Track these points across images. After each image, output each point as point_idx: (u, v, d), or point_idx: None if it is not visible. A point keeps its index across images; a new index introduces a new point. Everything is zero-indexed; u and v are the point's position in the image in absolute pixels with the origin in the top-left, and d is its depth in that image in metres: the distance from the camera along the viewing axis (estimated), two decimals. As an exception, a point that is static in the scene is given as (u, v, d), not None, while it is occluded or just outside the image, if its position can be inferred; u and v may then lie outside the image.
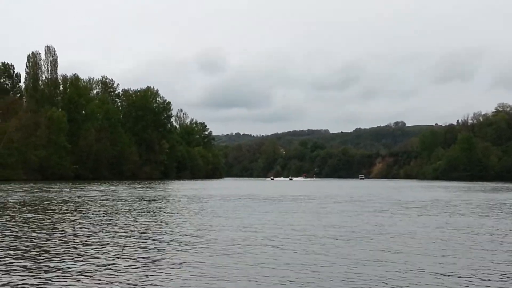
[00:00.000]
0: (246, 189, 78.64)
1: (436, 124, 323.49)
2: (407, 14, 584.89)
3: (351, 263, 14.77)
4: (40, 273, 13.40)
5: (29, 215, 28.96)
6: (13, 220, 26.33)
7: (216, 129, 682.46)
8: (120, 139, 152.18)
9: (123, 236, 20.67)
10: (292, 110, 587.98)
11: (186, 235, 21.04)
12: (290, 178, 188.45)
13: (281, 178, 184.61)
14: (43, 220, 26.47)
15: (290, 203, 43.08)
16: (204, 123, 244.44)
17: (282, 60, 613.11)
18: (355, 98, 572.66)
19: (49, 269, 13.85)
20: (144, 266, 14.38)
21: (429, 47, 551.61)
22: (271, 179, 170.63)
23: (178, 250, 17.19)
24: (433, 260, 15.58)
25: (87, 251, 16.68)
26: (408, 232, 22.26)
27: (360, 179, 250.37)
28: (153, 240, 19.62)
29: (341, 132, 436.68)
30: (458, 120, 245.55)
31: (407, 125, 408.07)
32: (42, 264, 14.51)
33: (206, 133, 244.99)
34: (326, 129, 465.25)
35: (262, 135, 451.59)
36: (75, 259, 15.31)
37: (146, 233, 21.63)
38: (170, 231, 22.52)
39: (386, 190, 78.83)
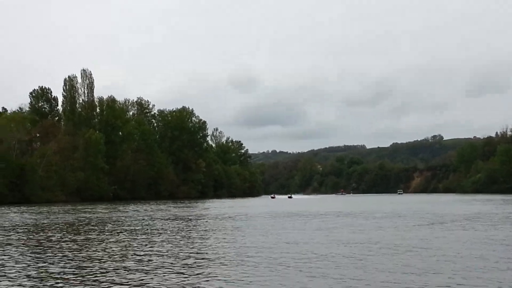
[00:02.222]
0: (286, 206, 77.15)
1: (474, 137, 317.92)
2: (438, 27, 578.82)
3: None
4: None
5: (76, 235, 28.52)
6: (58, 240, 25.72)
7: (252, 147, 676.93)
8: (157, 159, 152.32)
9: (168, 253, 20.14)
10: (327, 126, 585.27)
11: (230, 252, 20.13)
12: (289, 196, 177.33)
13: (282, 196, 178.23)
14: (89, 239, 26.00)
15: (332, 218, 41.54)
16: (240, 141, 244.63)
17: (314, 76, 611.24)
18: (389, 113, 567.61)
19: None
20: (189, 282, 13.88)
21: (461, 60, 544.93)
22: (272, 197, 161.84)
23: (222, 266, 16.61)
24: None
25: (132, 268, 16.27)
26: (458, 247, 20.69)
27: (399, 194, 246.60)
28: (199, 257, 18.85)
29: (378, 147, 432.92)
30: (496, 132, 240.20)
31: (445, 139, 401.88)
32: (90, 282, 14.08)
33: (242, 151, 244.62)
34: (363, 144, 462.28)
35: (298, 152, 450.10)
36: (120, 276, 14.93)
37: (191, 251, 20.96)
38: (216, 248, 21.80)
39: (428, 205, 76.42)
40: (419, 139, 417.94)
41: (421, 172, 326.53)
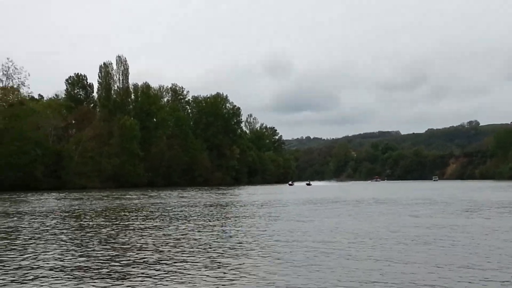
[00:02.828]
0: (321, 193, 75.74)
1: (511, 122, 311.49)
2: (474, 10, 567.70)
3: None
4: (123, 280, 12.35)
5: (112, 222, 28.04)
6: (95, 226, 25.36)
7: (286, 133, 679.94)
8: (191, 145, 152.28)
9: (204, 239, 19.64)
10: (361, 112, 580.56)
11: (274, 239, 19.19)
12: (308, 183, 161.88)
13: (301, 183, 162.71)
14: (125, 226, 25.49)
15: (367, 205, 40.10)
16: (274, 127, 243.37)
17: (348, 61, 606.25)
18: (425, 98, 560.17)
19: (129, 274, 12.89)
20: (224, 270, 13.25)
21: (499, 43, 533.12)
22: (290, 184, 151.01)
23: (257, 254, 15.73)
24: None
25: (165, 254, 15.83)
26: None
27: (434, 180, 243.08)
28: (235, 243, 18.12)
29: (413, 133, 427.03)
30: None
31: (481, 124, 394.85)
32: (125, 269, 13.62)
33: (276, 137, 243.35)
34: (397, 130, 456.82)
35: (333, 138, 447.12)
36: (158, 262, 14.53)
37: (227, 236, 20.42)
38: (250, 234, 20.95)
39: (464, 191, 74.10)
40: (454, 125, 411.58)
41: (456, 158, 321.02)
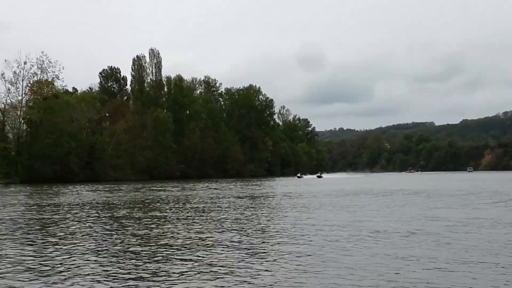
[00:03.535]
0: (357, 184, 74.14)
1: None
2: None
3: None
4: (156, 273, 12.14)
5: (147, 213, 28.22)
6: (131, 218, 25.51)
7: (319, 125, 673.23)
8: (224, 137, 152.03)
9: (237, 230, 19.50)
10: (395, 103, 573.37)
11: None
12: (318, 175, 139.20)
13: (310, 176, 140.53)
14: (161, 217, 25.62)
15: (400, 197, 38.63)
16: (307, 119, 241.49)
17: (382, 52, 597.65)
18: (459, 89, 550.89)
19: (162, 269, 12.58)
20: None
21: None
22: (298, 176, 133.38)
23: (290, 245, 15.66)
24: None
25: (199, 246, 15.77)
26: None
27: (469, 171, 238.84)
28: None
29: (447, 124, 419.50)
30: None
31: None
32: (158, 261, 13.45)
33: (309, 129, 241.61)
34: (431, 121, 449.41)
35: (366, 130, 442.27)
36: (188, 253, 14.51)
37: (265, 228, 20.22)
38: (283, 225, 20.91)
39: (499, 183, 71.60)
40: (490, 116, 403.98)
41: (492, 149, 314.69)
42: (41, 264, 13.07)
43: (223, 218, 24.29)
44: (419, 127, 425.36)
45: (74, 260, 13.45)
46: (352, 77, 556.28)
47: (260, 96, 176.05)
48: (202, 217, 24.82)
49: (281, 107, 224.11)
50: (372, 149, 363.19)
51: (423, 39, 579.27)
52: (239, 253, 14.18)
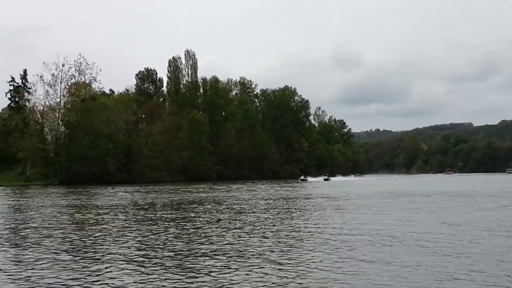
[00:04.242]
0: (394, 185, 72.62)
1: None
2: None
3: None
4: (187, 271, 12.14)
5: (185, 214, 28.25)
6: (169, 218, 25.48)
7: (355, 126, 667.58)
8: (260, 138, 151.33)
9: (274, 232, 19.12)
10: (432, 104, 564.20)
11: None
12: (325, 178, 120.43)
13: (315, 178, 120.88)
14: (200, 217, 25.80)
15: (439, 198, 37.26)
16: (342, 120, 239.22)
17: (419, 52, 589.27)
18: (498, 89, 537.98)
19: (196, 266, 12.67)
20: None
21: None
22: (302, 179, 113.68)
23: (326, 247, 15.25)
24: None
25: (236, 247, 15.44)
26: None
27: (508, 173, 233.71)
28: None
29: (486, 124, 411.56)
30: None
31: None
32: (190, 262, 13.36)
33: (345, 130, 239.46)
34: (469, 122, 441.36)
35: (403, 131, 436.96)
36: (232, 251, 14.65)
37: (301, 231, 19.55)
38: (319, 227, 20.46)
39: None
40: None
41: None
42: (78, 263, 13.18)
43: (259, 219, 24.08)
44: (456, 128, 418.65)
45: (113, 258, 13.62)
46: (388, 77, 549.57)
47: (295, 97, 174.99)
48: (239, 218, 24.55)
49: (316, 108, 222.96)
50: (409, 150, 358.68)
51: (460, 38, 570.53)
52: (274, 253, 14.01)
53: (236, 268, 12.08)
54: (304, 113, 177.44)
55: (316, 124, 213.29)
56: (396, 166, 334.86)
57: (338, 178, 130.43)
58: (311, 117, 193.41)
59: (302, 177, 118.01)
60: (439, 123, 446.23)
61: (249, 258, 13.47)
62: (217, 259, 13.33)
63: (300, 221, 22.76)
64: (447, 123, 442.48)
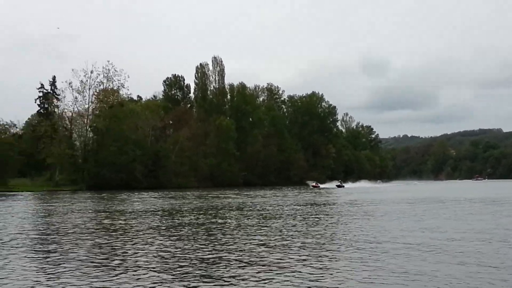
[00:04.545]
0: (426, 191, 71.34)
1: None
2: None
3: None
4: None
5: (214, 219, 28.69)
6: (195, 224, 25.93)
7: (383, 132, 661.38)
8: (287, 145, 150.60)
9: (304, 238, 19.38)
10: (460, 110, 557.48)
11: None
12: (339, 184, 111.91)
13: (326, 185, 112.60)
14: (227, 223, 25.98)
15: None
16: (370, 126, 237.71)
17: (447, 57, 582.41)
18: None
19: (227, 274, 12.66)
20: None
21: None
22: (313, 186, 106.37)
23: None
24: None
25: (272, 251, 15.90)
26: None
27: None
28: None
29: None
30: None
31: None
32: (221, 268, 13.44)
33: (373, 136, 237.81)
34: (499, 128, 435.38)
35: (431, 136, 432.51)
36: (262, 257, 14.82)
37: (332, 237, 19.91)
38: (348, 233, 20.67)
39: None
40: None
41: None
42: (105, 269, 13.27)
43: (287, 224, 24.21)
44: (486, 134, 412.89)
45: (140, 265, 13.74)
46: (416, 82, 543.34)
47: (323, 103, 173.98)
48: (267, 224, 24.63)
49: (344, 114, 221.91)
50: (437, 156, 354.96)
51: (489, 42, 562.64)
52: (303, 259, 14.10)
53: (268, 279, 11.85)
54: (331, 119, 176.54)
55: (344, 130, 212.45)
56: (424, 172, 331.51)
57: (357, 184, 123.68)
58: (338, 123, 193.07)
59: (313, 183, 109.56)
60: (468, 128, 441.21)
61: (279, 267, 13.20)
62: (246, 268, 13.18)
63: (329, 228, 22.54)
64: (476, 129, 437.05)
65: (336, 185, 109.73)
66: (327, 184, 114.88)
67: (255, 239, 18.58)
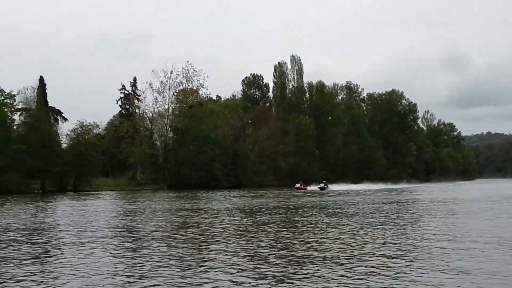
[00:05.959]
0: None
1: None
2: None
3: None
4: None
5: (290, 218, 28.40)
6: (273, 222, 25.64)
7: (465, 129, 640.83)
8: (366, 143, 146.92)
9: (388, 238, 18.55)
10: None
11: None
12: (321, 186, 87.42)
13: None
14: (310, 222, 25.43)
15: None
16: (452, 123, 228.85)
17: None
18: None
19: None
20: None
21: None
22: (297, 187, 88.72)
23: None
24: None
25: (355, 249, 15.57)
26: None
27: None
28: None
29: None
30: None
31: None
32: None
33: (455, 133, 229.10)
34: None
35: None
36: (343, 257, 14.36)
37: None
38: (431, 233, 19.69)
39: None
40: None
41: None
42: (186, 266, 13.35)
43: (370, 222, 23.90)
44: None
45: (221, 262, 13.76)
46: (499, 78, 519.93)
47: (403, 101, 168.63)
48: (348, 223, 23.98)
49: (425, 111, 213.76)
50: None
51: None
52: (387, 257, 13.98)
53: (349, 277, 11.54)
54: (411, 117, 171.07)
55: (425, 128, 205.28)
56: (509, 170, 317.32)
57: (344, 187, 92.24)
58: (419, 121, 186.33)
59: (298, 185, 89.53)
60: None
61: (361, 266, 12.93)
62: (328, 266, 12.98)
63: (411, 227, 21.85)
64: None
65: (319, 187, 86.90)
66: (313, 186, 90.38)
67: (338, 239, 18.06)
